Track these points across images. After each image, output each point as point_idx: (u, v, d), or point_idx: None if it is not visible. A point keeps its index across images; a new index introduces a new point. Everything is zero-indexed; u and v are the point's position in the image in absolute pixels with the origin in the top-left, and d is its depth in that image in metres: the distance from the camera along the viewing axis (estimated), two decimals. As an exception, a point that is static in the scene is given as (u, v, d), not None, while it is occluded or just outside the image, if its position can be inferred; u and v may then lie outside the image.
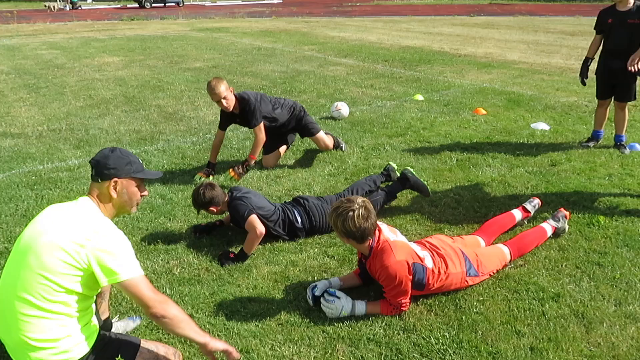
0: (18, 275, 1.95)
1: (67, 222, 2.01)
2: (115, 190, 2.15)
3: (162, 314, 2.00)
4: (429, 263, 2.88)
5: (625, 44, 4.97)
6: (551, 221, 3.59)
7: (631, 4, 4.98)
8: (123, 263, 1.97)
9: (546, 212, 3.95)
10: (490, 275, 3.15)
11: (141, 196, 2.27)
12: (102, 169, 2.13)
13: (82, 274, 1.95)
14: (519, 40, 14.66)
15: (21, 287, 1.93)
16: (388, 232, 2.89)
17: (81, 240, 1.94)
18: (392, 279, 2.73)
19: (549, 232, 3.54)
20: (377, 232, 2.83)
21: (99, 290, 2.16)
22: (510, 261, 3.27)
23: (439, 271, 2.89)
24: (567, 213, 3.66)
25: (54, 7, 28.93)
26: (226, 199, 3.66)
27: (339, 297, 2.83)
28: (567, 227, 3.65)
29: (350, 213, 2.67)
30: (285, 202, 3.92)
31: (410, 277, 2.77)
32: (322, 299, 2.84)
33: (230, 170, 4.66)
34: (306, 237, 3.68)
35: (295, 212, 3.67)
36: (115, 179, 2.14)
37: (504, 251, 3.25)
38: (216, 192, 3.59)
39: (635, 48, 4.88)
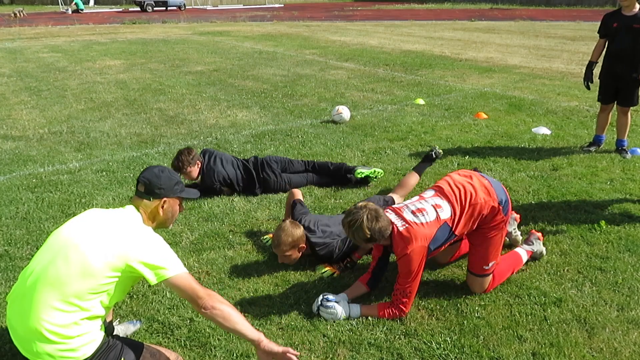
0: (54, 267, 1.99)
1: (115, 227, 2.10)
2: (163, 209, 2.27)
3: (212, 304, 2.06)
4: (445, 214, 2.81)
5: (629, 48, 4.98)
6: (525, 246, 3.35)
7: (637, 9, 4.98)
8: (168, 261, 2.07)
9: (542, 221, 3.94)
10: (492, 276, 3.01)
11: (179, 212, 2.40)
12: (154, 189, 2.24)
13: (120, 275, 2.03)
14: (520, 44, 14.68)
15: (54, 279, 1.97)
16: (396, 219, 2.81)
17: (127, 244, 2.03)
18: (408, 264, 2.71)
19: (524, 257, 3.29)
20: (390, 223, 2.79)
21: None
22: (488, 290, 3.05)
23: (459, 211, 2.83)
24: (540, 234, 3.43)
25: (19, 13, 28.50)
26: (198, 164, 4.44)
27: (337, 302, 2.83)
28: (544, 249, 3.40)
29: (360, 222, 2.68)
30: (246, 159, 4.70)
31: (424, 259, 2.75)
32: (320, 306, 2.84)
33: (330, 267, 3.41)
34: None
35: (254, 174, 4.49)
36: (165, 199, 2.26)
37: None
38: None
39: None
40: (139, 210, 2.23)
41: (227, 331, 2.11)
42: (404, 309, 2.80)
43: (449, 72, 10.32)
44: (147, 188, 2.24)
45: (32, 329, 1.95)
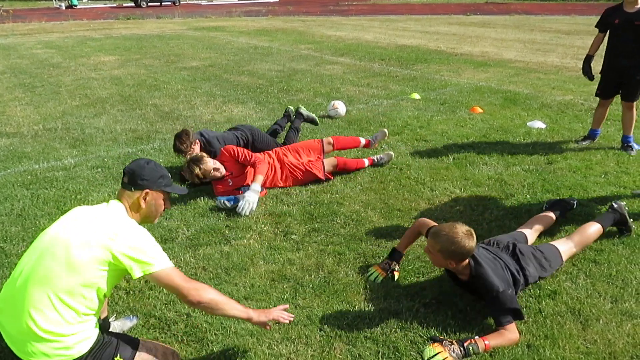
0: (42, 265, 1.99)
1: (98, 220, 2.10)
2: (145, 201, 2.25)
3: (198, 300, 2.09)
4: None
5: (631, 45, 4.93)
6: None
7: (639, 6, 4.92)
8: (154, 255, 2.06)
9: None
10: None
11: (164, 209, 2.38)
12: (137, 179, 2.23)
13: (107, 269, 2.02)
14: (515, 39, 14.69)
15: (44, 277, 1.97)
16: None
17: (111, 236, 2.03)
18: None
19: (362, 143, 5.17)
20: None
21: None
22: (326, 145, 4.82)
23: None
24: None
25: None
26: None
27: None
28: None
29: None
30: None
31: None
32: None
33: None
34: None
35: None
36: (147, 190, 2.25)
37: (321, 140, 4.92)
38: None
39: None
40: (122, 203, 2.22)
41: (221, 316, 2.24)
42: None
43: (445, 66, 10.33)
44: (130, 178, 2.23)
45: (25, 329, 1.94)
